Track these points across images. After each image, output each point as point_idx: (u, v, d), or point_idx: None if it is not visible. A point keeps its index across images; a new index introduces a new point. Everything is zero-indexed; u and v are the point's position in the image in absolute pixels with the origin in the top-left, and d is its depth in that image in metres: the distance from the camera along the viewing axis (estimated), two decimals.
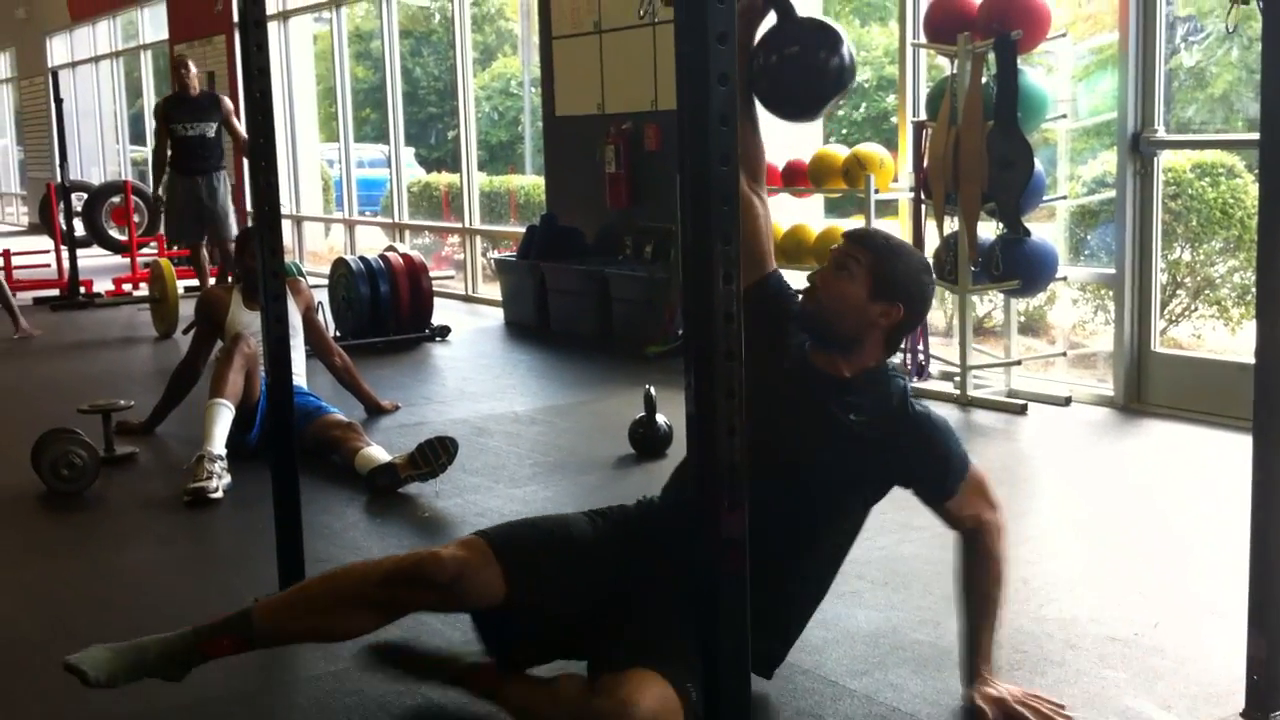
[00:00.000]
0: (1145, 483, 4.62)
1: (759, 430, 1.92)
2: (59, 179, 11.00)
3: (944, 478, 2.61)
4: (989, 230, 5.83)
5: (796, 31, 2.61)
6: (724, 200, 1.81)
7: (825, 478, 2.56)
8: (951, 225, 5.86)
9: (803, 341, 2.67)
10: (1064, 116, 6.29)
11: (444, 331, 8.29)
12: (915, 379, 6.19)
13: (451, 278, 10.59)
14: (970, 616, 2.67)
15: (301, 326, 5.58)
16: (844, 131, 19.22)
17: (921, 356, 6.22)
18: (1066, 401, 5.77)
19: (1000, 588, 2.66)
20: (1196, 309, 7.07)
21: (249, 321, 5.28)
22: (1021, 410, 5.64)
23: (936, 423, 2.63)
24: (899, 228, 6.59)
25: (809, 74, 2.62)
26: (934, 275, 2.81)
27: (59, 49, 19.28)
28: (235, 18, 12.01)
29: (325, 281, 8.61)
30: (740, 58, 2.68)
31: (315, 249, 13.59)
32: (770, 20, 2.65)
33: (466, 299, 10.28)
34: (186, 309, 7.58)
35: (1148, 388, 5.66)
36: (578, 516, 2.66)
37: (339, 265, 8.43)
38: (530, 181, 13.63)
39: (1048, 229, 6.74)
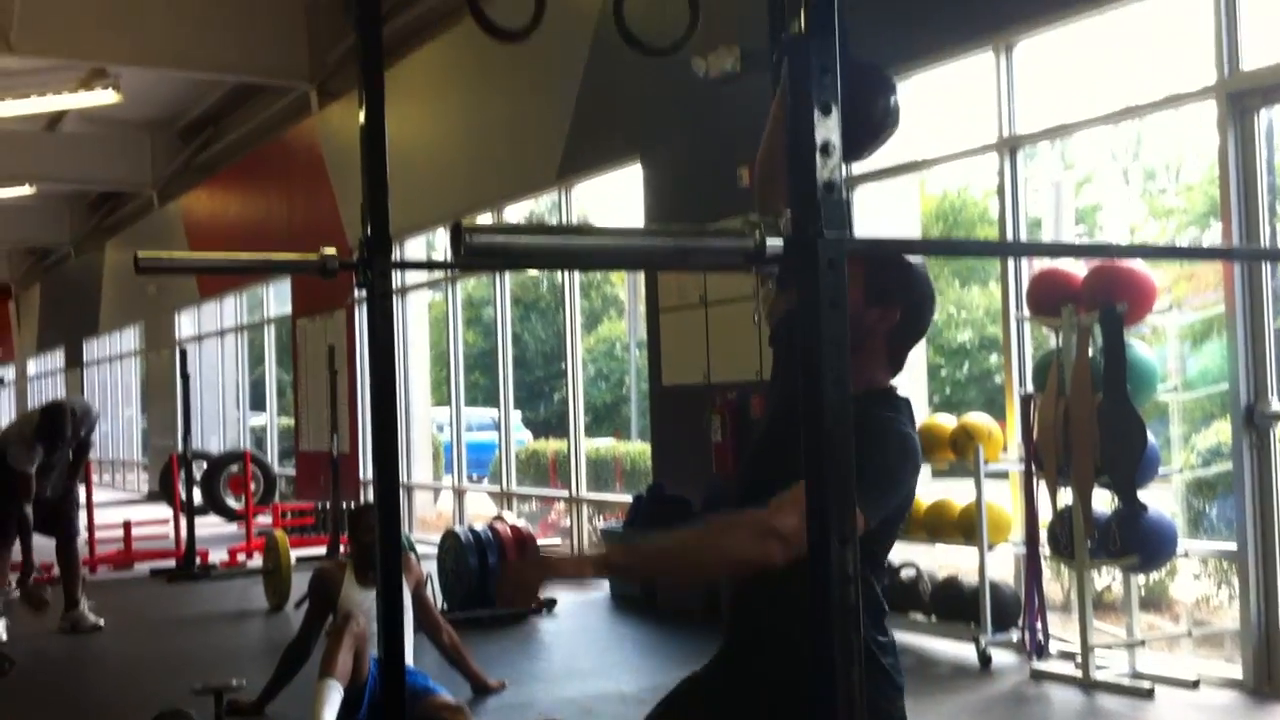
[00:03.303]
0: None
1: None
2: (181, 449, 11.35)
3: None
4: (1104, 503, 5.73)
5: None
6: (840, 500, 1.81)
7: None
8: (1065, 497, 5.77)
9: None
10: (1175, 388, 6.25)
11: (550, 604, 8.26)
12: (1034, 659, 6.00)
13: (558, 545, 10.60)
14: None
15: (411, 603, 5.59)
16: (947, 391, 19.31)
17: (1040, 634, 6.05)
18: (1195, 685, 5.53)
19: (705, 534, 2.45)
20: None
21: (361, 599, 5.31)
22: (1149, 694, 5.41)
23: (883, 434, 2.45)
24: (1010, 498, 6.51)
25: (850, 119, 2.62)
26: (932, 287, 2.68)
27: (186, 323, 20.18)
28: (358, 294, 12.50)
29: (434, 551, 8.66)
30: (779, 108, 2.71)
31: (424, 515, 13.75)
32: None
33: None
34: (299, 581, 7.66)
35: (1279, 670, 5.42)
36: None
37: (449, 537, 8.50)
38: (636, 448, 13.76)
39: (1164, 498, 6.61)
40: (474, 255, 1.72)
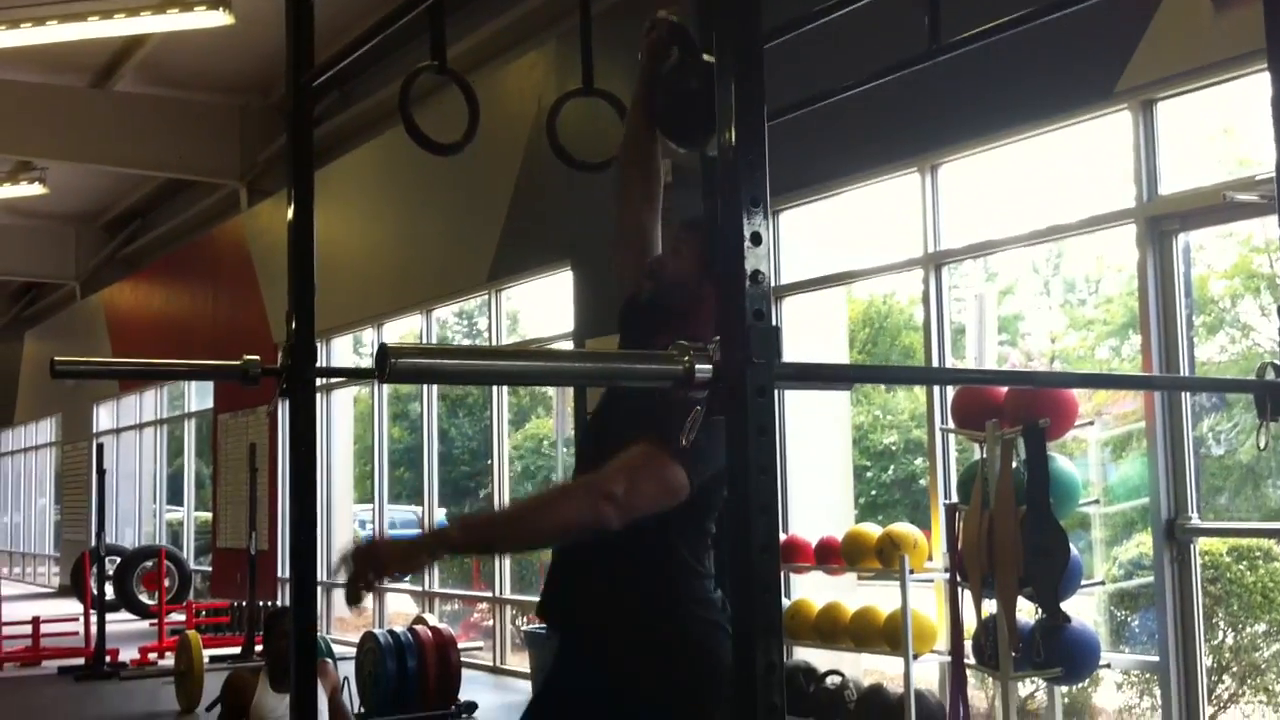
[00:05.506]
0: None
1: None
2: (94, 545, 11.10)
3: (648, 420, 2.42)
4: (1027, 614, 5.75)
5: (698, 68, 2.68)
6: (765, 588, 1.78)
7: None
8: (989, 607, 5.79)
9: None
10: (1096, 501, 6.32)
11: (470, 708, 8.10)
12: None
13: (480, 648, 10.44)
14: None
15: (327, 709, 5.47)
16: (873, 493, 19.35)
17: None
18: None
19: (539, 500, 2.53)
20: (1244, 694, 6.87)
21: (274, 705, 5.20)
22: None
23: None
24: (935, 607, 6.52)
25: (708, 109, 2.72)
26: None
27: (105, 416, 19.82)
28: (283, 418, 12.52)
29: (352, 652, 8.48)
30: (642, 89, 2.79)
31: (343, 615, 13.47)
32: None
33: (494, 670, 10.09)
34: (212, 682, 7.47)
35: None
36: None
37: (367, 639, 8.33)
38: None
39: (1087, 609, 6.65)
40: (399, 378, 1.71)
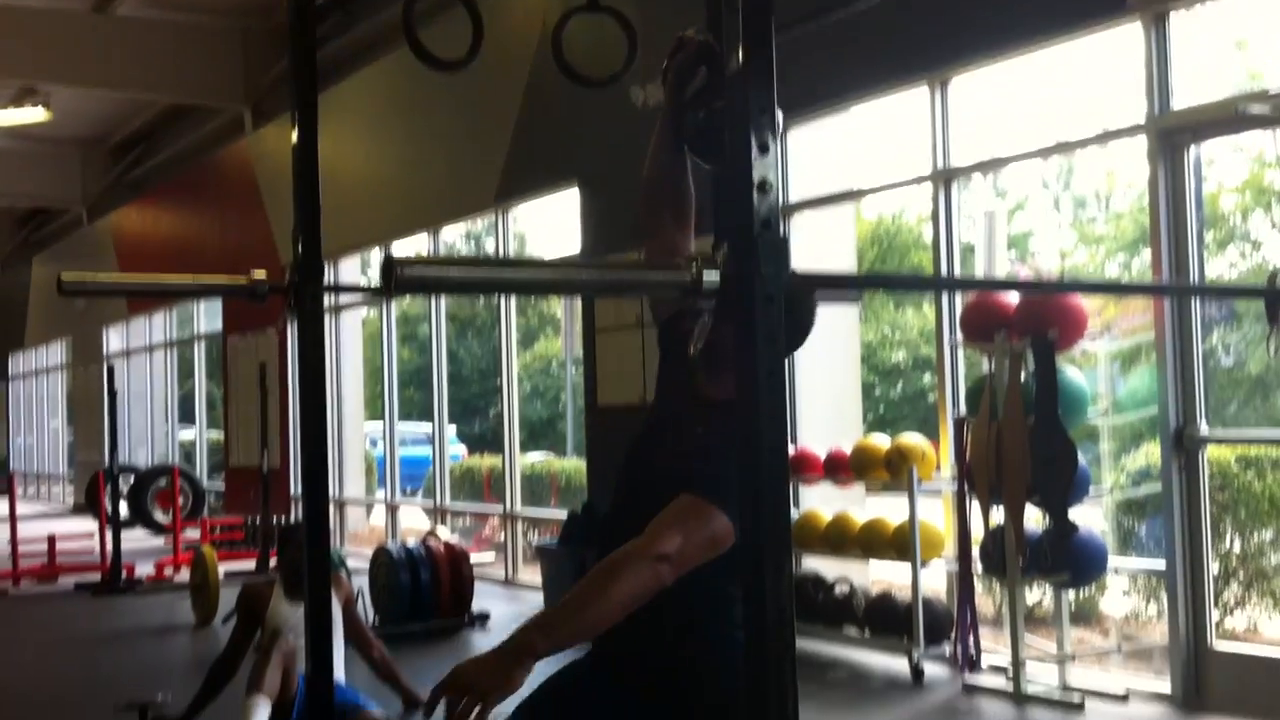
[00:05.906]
0: None
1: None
2: (108, 464, 11.21)
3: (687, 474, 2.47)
4: (1035, 521, 5.80)
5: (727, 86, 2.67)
6: (773, 489, 1.80)
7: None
8: (997, 517, 5.84)
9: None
10: (1105, 413, 6.35)
11: (483, 618, 8.22)
12: (966, 672, 6.06)
13: (491, 562, 10.55)
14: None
15: (341, 619, 5.53)
16: (881, 410, 19.46)
17: (972, 648, 6.11)
18: (1124, 698, 5.61)
19: (597, 581, 2.43)
20: (1250, 599, 6.94)
21: (289, 615, 5.25)
22: (1079, 708, 5.49)
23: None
24: (943, 516, 6.58)
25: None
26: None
27: (115, 338, 19.88)
28: (291, 338, 12.56)
29: (366, 565, 8.58)
30: (670, 109, 2.78)
31: (357, 530, 13.63)
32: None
33: (506, 583, 10.21)
34: (227, 596, 7.57)
35: (1207, 685, 5.50)
36: None
37: (380, 554, 8.44)
38: (572, 464, 13.74)
39: (1095, 517, 6.70)
40: (405, 288, 1.71)
